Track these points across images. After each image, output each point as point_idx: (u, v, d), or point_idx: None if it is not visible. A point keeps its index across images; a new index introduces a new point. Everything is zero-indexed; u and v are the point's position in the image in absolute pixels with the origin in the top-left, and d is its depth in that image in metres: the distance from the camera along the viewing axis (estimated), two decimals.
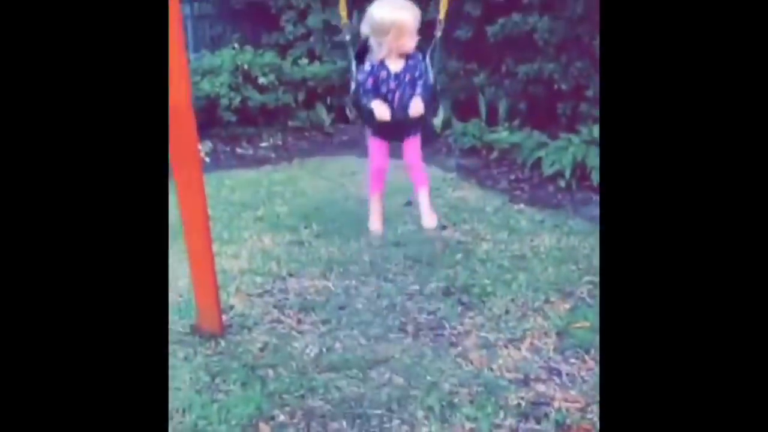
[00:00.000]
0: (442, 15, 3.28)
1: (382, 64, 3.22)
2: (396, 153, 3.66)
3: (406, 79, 3.24)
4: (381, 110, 3.16)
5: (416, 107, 3.20)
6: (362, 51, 3.31)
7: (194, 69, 7.13)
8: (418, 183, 3.68)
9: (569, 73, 6.14)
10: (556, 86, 6.23)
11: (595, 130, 5.71)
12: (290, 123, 7.68)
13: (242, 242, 4.44)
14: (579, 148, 5.61)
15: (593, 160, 5.45)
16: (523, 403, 2.73)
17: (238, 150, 7.17)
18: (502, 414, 2.66)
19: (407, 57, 3.23)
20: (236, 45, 7.93)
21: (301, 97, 7.73)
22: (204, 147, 6.86)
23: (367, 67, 3.24)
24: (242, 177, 6.08)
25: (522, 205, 5.20)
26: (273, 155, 7.04)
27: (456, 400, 2.75)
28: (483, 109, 6.89)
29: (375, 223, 3.76)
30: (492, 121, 6.80)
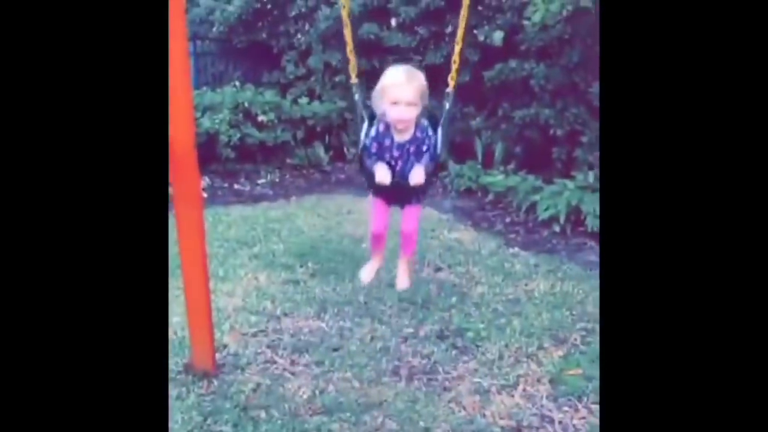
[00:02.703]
0: (451, 87, 3.15)
1: (387, 131, 3.10)
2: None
3: (411, 150, 3.11)
4: (381, 174, 3.05)
5: (417, 177, 3.04)
6: (372, 113, 3.20)
7: (195, 105, 7.20)
8: (404, 250, 3.59)
9: (565, 119, 6.23)
10: (551, 131, 6.32)
11: (591, 176, 5.78)
12: (288, 160, 7.75)
13: (237, 280, 4.45)
14: (574, 193, 5.66)
15: (588, 205, 5.50)
16: None
17: (236, 186, 7.21)
18: None
19: (415, 127, 3.09)
20: (237, 83, 8.04)
21: (299, 135, 7.82)
22: (202, 183, 6.91)
23: (373, 131, 3.14)
24: (239, 213, 6.10)
25: (517, 249, 5.23)
26: (270, 192, 7.08)
27: None
28: (479, 152, 6.97)
29: (365, 273, 3.65)
30: (488, 163, 6.87)
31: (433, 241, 5.29)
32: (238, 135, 7.24)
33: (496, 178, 6.48)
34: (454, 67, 3.16)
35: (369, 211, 3.53)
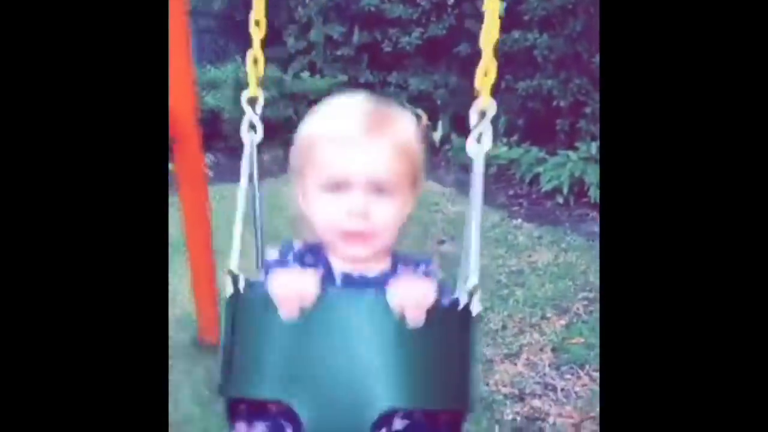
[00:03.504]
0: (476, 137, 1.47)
1: (311, 252, 1.46)
2: None
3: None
4: (292, 284, 1.23)
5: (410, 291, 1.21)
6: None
7: (198, 83, 7.21)
8: None
9: (568, 90, 6.21)
10: (554, 102, 6.31)
11: (594, 147, 5.78)
12: (292, 136, 7.75)
13: (243, 255, 4.48)
14: (577, 164, 5.67)
15: (591, 176, 5.51)
16: (519, 419, 2.78)
17: (240, 163, 7.22)
18: (497, 429, 2.71)
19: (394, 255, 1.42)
20: (238, 59, 8.02)
21: (302, 110, 7.80)
22: (206, 160, 6.93)
23: (273, 252, 1.61)
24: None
25: (520, 221, 5.25)
26: (275, 168, 7.09)
27: None
28: None
29: None
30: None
31: (436, 214, 5.32)
32: (241, 111, 7.23)
33: (499, 150, 6.48)
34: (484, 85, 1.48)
35: None
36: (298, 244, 1.47)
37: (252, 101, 1.63)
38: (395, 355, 1.18)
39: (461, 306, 1.31)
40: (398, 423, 1.25)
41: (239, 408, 1.33)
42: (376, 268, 1.36)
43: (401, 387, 1.18)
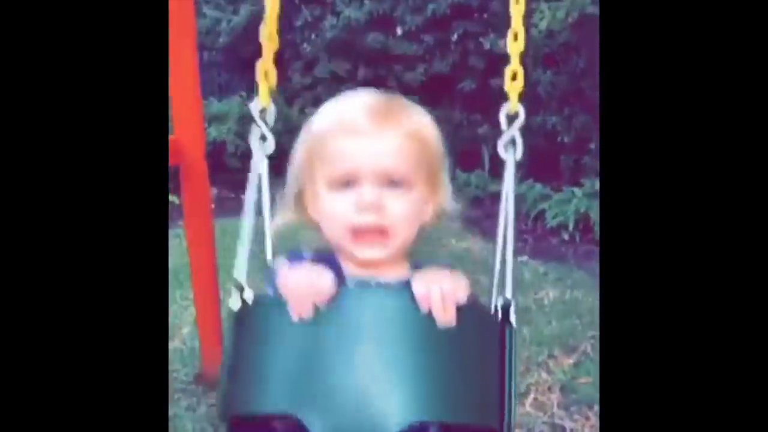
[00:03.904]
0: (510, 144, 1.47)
1: (321, 259, 1.34)
2: None
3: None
4: (306, 282, 1.09)
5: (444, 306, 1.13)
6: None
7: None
8: None
9: (572, 126, 6.23)
10: (558, 139, 6.31)
11: (598, 183, 5.76)
12: None
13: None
14: (582, 200, 5.65)
15: (596, 213, 5.49)
16: None
17: (243, 196, 7.20)
18: None
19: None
20: (243, 93, 8.07)
21: None
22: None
23: (281, 264, 1.44)
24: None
25: (526, 257, 5.21)
26: (278, 203, 7.07)
27: None
28: (486, 161, 6.96)
29: None
30: (495, 172, 6.85)
31: (442, 250, 5.28)
32: (245, 145, 7.24)
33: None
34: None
35: None
36: (308, 253, 1.37)
37: (263, 112, 1.46)
38: (421, 360, 1.02)
39: (497, 310, 1.23)
40: None
41: (242, 429, 1.18)
42: (392, 275, 1.23)
43: (427, 398, 1.02)
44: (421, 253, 1.32)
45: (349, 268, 1.25)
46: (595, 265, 5.01)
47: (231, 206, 6.90)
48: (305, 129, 1.37)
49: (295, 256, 1.35)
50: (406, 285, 1.12)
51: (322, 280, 1.08)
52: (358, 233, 1.21)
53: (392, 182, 1.21)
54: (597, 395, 3.10)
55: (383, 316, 1.04)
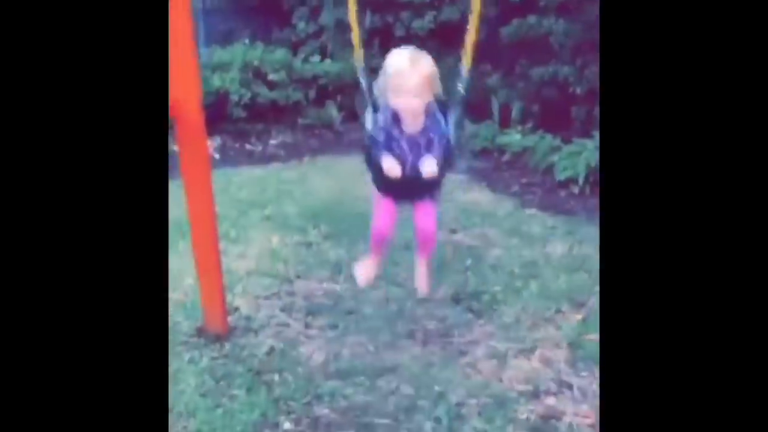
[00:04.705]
0: (465, 66, 2.79)
1: (394, 121, 2.79)
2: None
3: (421, 143, 2.79)
4: (390, 166, 2.75)
5: (429, 168, 2.74)
6: (376, 101, 2.88)
7: (204, 64, 7.08)
8: (422, 251, 3.21)
9: (584, 77, 6.06)
10: (570, 90, 6.16)
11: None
12: (300, 121, 7.63)
13: (249, 242, 4.39)
14: (592, 153, 5.53)
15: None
16: (533, 417, 2.67)
17: (248, 146, 7.12)
18: (511, 428, 2.61)
19: (425, 117, 2.79)
20: (247, 41, 7.89)
21: (311, 94, 7.68)
22: (213, 143, 6.83)
23: (380, 120, 2.83)
24: (251, 174, 6.02)
25: (534, 210, 5.13)
26: (282, 153, 6.99)
27: (464, 412, 2.69)
28: (496, 112, 6.82)
29: (362, 273, 3.21)
30: (504, 123, 6.73)
31: (449, 203, 5.19)
32: (249, 94, 7.11)
33: (513, 138, 6.35)
34: (470, 42, 2.76)
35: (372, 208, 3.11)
36: (390, 115, 2.77)
37: (362, 69, 2.96)
38: (424, 183, 2.81)
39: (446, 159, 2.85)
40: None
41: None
42: (418, 126, 2.78)
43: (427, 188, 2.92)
44: None
45: (403, 123, 2.78)
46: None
47: (235, 156, 6.84)
48: (383, 69, 2.72)
49: (386, 112, 2.79)
50: (424, 130, 2.79)
51: (396, 168, 2.75)
52: (404, 115, 2.76)
53: (416, 94, 2.66)
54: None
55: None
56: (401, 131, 2.78)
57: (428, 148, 2.81)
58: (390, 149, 2.81)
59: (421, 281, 3.23)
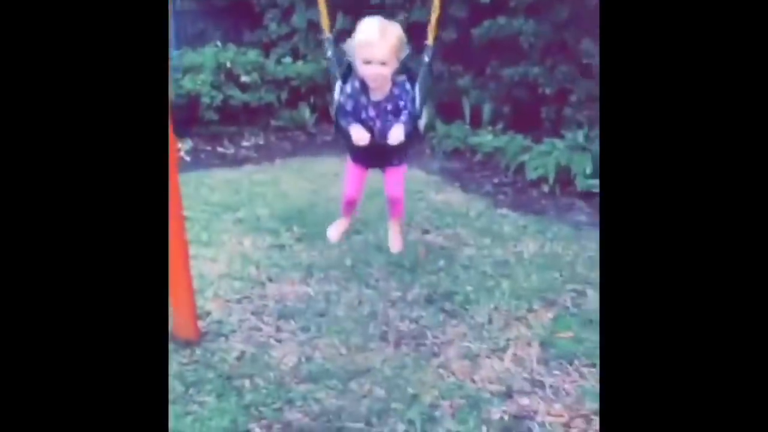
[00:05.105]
0: (430, 40, 3.03)
1: (362, 89, 2.96)
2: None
3: (388, 109, 2.96)
4: (359, 135, 2.91)
5: (396, 135, 2.88)
6: (347, 70, 3.05)
7: (175, 66, 7.02)
8: (393, 213, 3.58)
9: (554, 77, 6.11)
10: (540, 90, 6.20)
11: (580, 135, 5.69)
12: (273, 122, 7.59)
13: (221, 245, 4.35)
14: (563, 153, 5.57)
15: (577, 165, 5.42)
16: (506, 417, 2.68)
17: (219, 149, 7.06)
18: (484, 428, 2.61)
19: (392, 85, 2.96)
20: (219, 42, 7.83)
21: (284, 96, 7.64)
22: (184, 145, 6.76)
23: (348, 89, 2.98)
24: (223, 177, 5.97)
25: (505, 210, 5.15)
26: (255, 155, 6.94)
27: (437, 414, 2.69)
28: (467, 112, 6.84)
29: (334, 232, 3.66)
30: (476, 123, 6.75)
31: (420, 203, 5.20)
32: (221, 96, 7.06)
33: (484, 139, 6.37)
34: (434, 17, 3.03)
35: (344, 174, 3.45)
36: (357, 83, 2.93)
37: (328, 39, 3.14)
38: (393, 149, 2.99)
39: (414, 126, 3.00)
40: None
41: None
42: (385, 93, 2.92)
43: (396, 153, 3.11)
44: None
45: (370, 90, 2.92)
46: (575, 218, 4.97)
47: (206, 159, 6.78)
48: (352, 38, 2.85)
49: (353, 80, 2.96)
50: (389, 98, 2.96)
51: (364, 136, 2.91)
52: (372, 82, 2.89)
53: (384, 63, 2.81)
54: (578, 350, 3.08)
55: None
56: (369, 99, 2.93)
57: (395, 114, 2.94)
58: (358, 117, 2.97)
59: (395, 239, 3.64)
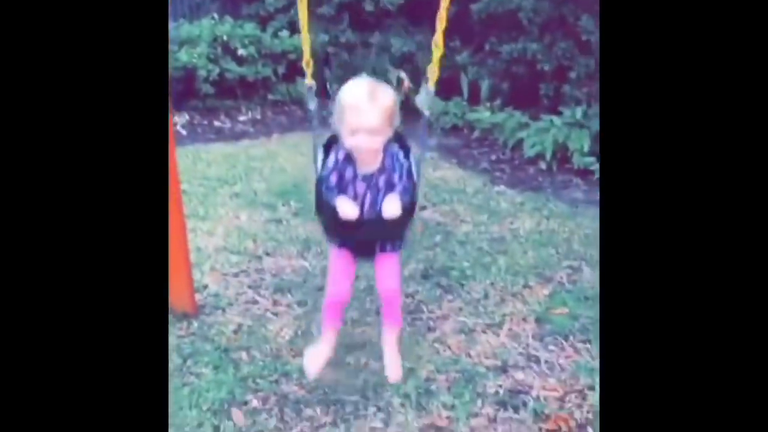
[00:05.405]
0: (431, 84, 2.49)
1: (348, 160, 2.45)
2: None
3: (380, 184, 2.46)
4: (345, 208, 2.39)
5: (391, 208, 2.38)
6: (331, 139, 2.55)
7: (171, 39, 6.96)
8: (388, 318, 2.75)
9: (553, 54, 6.08)
10: (539, 66, 6.17)
11: (578, 112, 5.67)
12: (270, 96, 7.55)
13: (218, 219, 4.35)
14: (561, 130, 5.56)
15: (575, 142, 5.42)
16: (501, 392, 2.70)
17: (216, 123, 7.03)
18: (479, 402, 2.63)
19: (384, 155, 2.45)
20: (215, 15, 7.76)
21: (281, 70, 7.59)
22: (180, 119, 6.73)
23: (331, 160, 2.47)
24: (219, 151, 5.96)
25: (502, 187, 5.16)
26: (251, 129, 6.92)
27: (433, 388, 2.71)
28: (465, 88, 6.82)
29: (311, 363, 2.65)
30: (474, 100, 6.73)
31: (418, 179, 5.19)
32: (217, 70, 7.01)
33: (482, 115, 6.36)
34: (436, 56, 2.45)
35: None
36: (342, 155, 2.44)
37: (310, 87, 2.65)
38: (386, 226, 2.43)
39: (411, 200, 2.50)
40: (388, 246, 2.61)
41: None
42: (376, 165, 2.44)
43: (390, 232, 2.54)
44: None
45: (358, 163, 2.44)
46: (572, 195, 4.97)
47: (203, 133, 6.75)
48: (337, 100, 2.39)
49: (337, 154, 2.46)
50: (380, 171, 2.46)
51: (352, 210, 2.40)
52: (360, 154, 2.42)
53: (374, 132, 2.34)
54: (573, 326, 3.10)
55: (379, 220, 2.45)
56: (355, 172, 2.45)
57: (388, 188, 2.46)
58: (343, 192, 2.47)
59: (392, 363, 2.69)
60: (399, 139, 2.52)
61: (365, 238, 2.55)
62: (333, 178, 2.45)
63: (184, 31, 7.29)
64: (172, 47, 6.82)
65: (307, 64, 2.60)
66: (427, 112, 2.54)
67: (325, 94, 7.05)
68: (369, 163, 2.43)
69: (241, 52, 7.22)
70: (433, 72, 2.46)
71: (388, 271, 2.63)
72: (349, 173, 2.45)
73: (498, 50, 6.47)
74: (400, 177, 2.45)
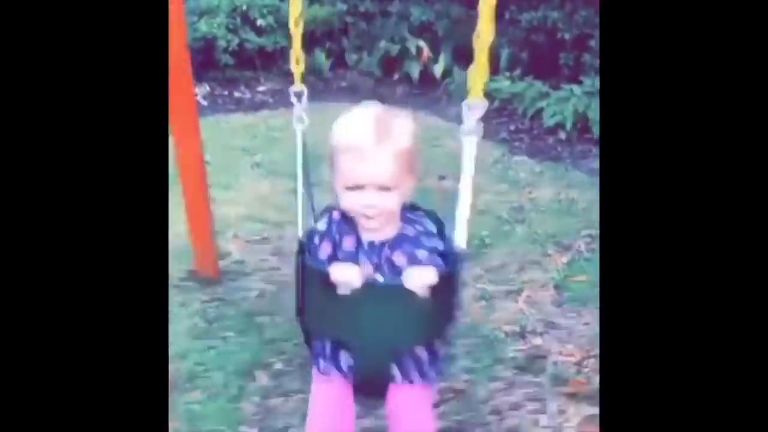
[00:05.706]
0: (477, 95, 1.67)
1: (346, 225, 1.69)
2: None
3: (397, 260, 1.65)
4: (345, 270, 1.59)
5: (419, 273, 1.58)
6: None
7: (191, 9, 6.96)
8: None
9: (573, 23, 6.03)
10: (559, 35, 6.13)
11: (598, 82, 5.64)
12: (288, 67, 7.56)
13: (240, 188, 4.41)
14: (581, 99, 5.54)
15: (595, 112, 5.39)
16: (520, 357, 2.74)
17: (236, 94, 7.06)
18: (499, 367, 2.68)
19: (402, 216, 1.71)
20: None
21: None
22: (201, 90, 6.76)
23: (322, 223, 1.73)
24: (240, 121, 6.00)
25: (522, 156, 5.16)
26: (270, 100, 6.94)
27: (453, 352, 2.76)
28: None
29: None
30: (493, 69, 6.69)
31: (436, 149, 5.21)
32: (237, 40, 7.03)
33: (502, 84, 6.33)
34: (482, 55, 1.57)
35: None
36: (337, 215, 1.71)
37: (298, 95, 2.03)
38: (411, 314, 1.60)
39: (452, 272, 1.67)
40: (420, 352, 1.72)
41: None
42: (390, 233, 1.67)
43: (417, 330, 1.66)
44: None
45: (362, 232, 1.68)
46: (591, 165, 4.97)
47: (223, 104, 6.79)
48: (329, 141, 1.69)
49: (330, 217, 1.73)
50: (397, 239, 1.68)
51: (355, 275, 1.56)
52: (364, 218, 1.63)
53: (385, 188, 1.58)
54: (591, 294, 3.13)
55: (392, 295, 1.61)
56: (359, 242, 1.66)
57: (411, 263, 1.64)
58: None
59: None
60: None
61: (373, 353, 1.62)
62: (323, 250, 1.67)
63: (203, 1, 7.29)
64: (191, 18, 6.83)
65: (297, 61, 1.96)
66: (474, 139, 1.71)
67: (343, 63, 7.02)
68: (378, 228, 1.63)
69: (260, 22, 7.21)
70: (479, 75, 1.59)
71: (409, 411, 1.74)
72: (347, 243, 1.65)
73: (518, 18, 6.43)
74: (432, 249, 1.67)
